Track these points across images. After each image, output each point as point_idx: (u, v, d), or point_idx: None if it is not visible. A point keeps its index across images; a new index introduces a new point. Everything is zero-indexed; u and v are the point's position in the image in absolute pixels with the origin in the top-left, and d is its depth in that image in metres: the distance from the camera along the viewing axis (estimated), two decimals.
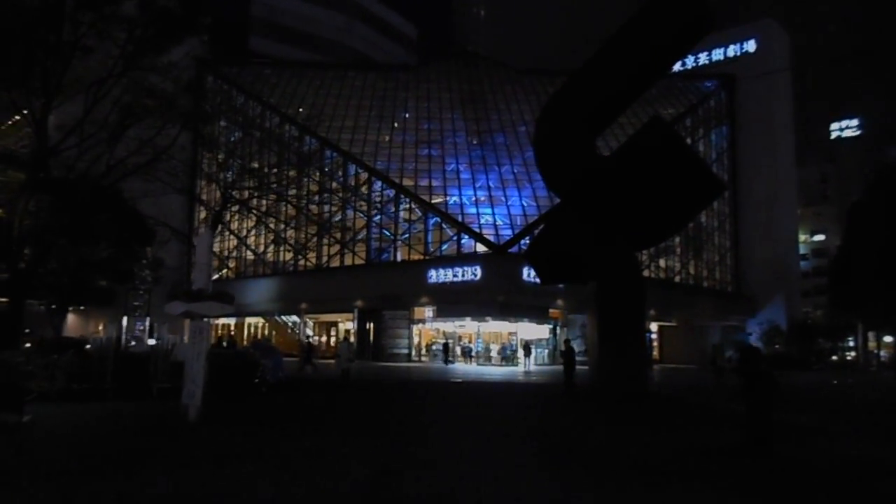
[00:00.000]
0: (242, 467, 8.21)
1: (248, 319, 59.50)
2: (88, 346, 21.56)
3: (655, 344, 56.49)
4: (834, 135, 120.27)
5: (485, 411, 14.89)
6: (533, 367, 38.79)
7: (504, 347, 45.41)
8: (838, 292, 45.26)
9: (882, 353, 72.67)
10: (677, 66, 76.93)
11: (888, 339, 69.28)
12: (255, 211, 39.17)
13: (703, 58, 78.42)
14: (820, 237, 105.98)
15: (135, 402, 14.49)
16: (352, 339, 46.82)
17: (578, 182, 16.57)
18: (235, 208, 51.94)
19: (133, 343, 31.46)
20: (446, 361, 42.76)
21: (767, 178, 70.49)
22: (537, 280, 42.20)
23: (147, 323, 31.79)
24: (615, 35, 16.49)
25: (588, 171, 16.47)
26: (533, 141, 18.30)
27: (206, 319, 11.55)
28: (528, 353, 38.95)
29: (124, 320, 33.60)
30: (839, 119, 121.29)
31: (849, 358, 67.81)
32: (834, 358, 61.71)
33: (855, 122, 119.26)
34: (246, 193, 27.74)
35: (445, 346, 44.17)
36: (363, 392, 19.80)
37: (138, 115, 22.51)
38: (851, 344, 77.14)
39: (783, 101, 76.73)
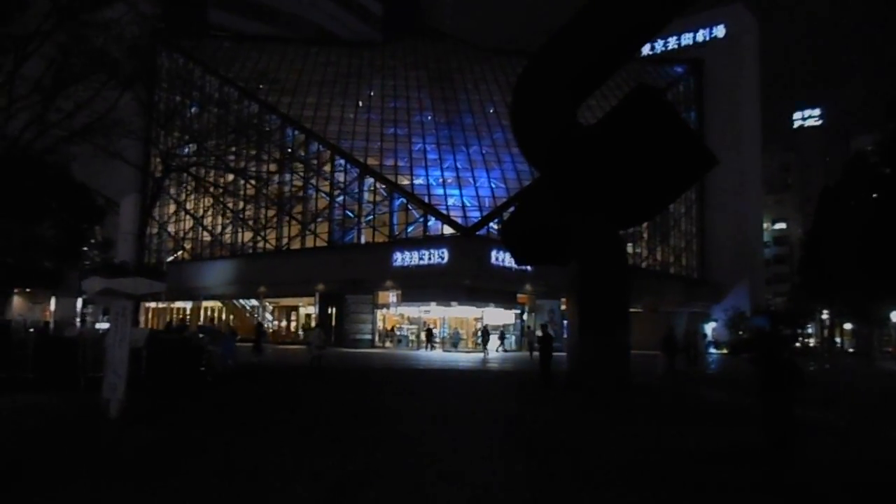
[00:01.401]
0: (148, 486, 6.58)
1: (205, 303, 57.11)
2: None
3: None
4: (797, 124, 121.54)
5: (458, 405, 13.46)
6: (493, 355, 37.49)
7: (455, 333, 44.09)
8: (808, 278, 45.02)
9: (840, 340, 73.64)
10: (646, 50, 76.43)
11: (847, 326, 70.06)
12: (211, 187, 36.95)
13: (672, 42, 77.92)
14: (781, 225, 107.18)
15: (57, 393, 12.72)
16: (313, 323, 45.23)
17: (559, 152, 15.17)
18: (192, 186, 49.42)
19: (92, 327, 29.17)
20: (431, 347, 41.36)
21: (734, 165, 70.14)
22: (505, 264, 41.38)
23: (79, 305, 29.44)
24: None
25: (569, 139, 15.07)
26: (511, 105, 16.85)
27: (145, 300, 9.84)
28: (487, 339, 37.42)
29: (52, 302, 31.14)
30: (801, 108, 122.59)
31: (810, 345, 68.39)
32: (797, 345, 62.00)
33: (817, 111, 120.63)
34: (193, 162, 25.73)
35: (429, 331, 42.78)
36: (325, 382, 18.23)
37: (75, 76, 20.42)
38: (810, 331, 78.02)
39: (750, 88, 76.66)
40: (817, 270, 42.39)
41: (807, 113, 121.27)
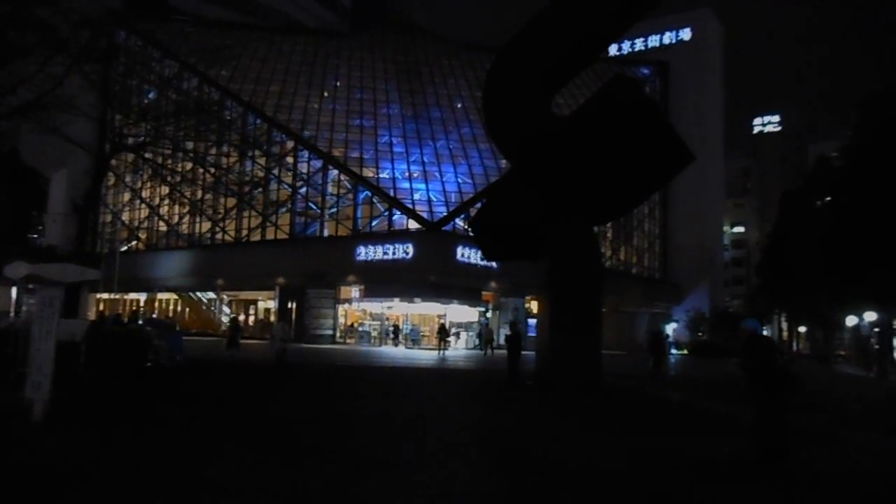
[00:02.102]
0: None
1: (161, 295, 55.29)
2: None
3: None
4: (756, 130, 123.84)
5: (424, 408, 12.60)
6: (454, 352, 36.75)
7: (413, 330, 43.28)
8: (768, 280, 45.43)
9: (795, 343, 75.13)
10: (613, 51, 76.73)
11: (801, 329, 71.34)
12: (169, 175, 35.42)
13: (639, 44, 78.48)
14: (739, 229, 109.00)
15: None
16: (272, 318, 43.97)
17: (531, 144, 14.54)
18: (148, 173, 47.32)
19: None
20: (396, 344, 40.67)
21: (697, 167, 70.48)
22: (471, 260, 40.78)
23: (14, 293, 27.56)
24: None
25: (543, 130, 14.45)
26: (482, 96, 16.17)
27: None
28: (444, 336, 36.27)
29: None
30: (761, 115, 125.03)
31: None
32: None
33: (776, 118, 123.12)
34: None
35: (396, 328, 42.17)
36: (282, 380, 17.30)
37: (17, 49, 19.06)
38: (765, 333, 79.30)
39: (714, 92, 77.64)
40: (777, 273, 42.80)
41: (766, 119, 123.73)
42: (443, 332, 36.27)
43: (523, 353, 18.31)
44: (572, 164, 13.96)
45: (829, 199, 34.53)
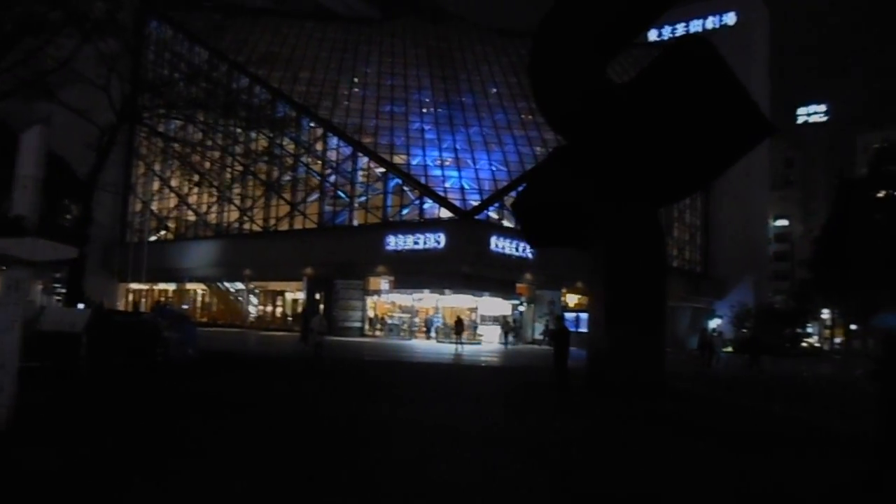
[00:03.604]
0: None
1: (189, 285, 54.59)
2: None
3: None
4: (801, 119, 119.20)
5: (468, 416, 10.78)
6: (481, 347, 34.95)
7: (430, 321, 41.27)
8: (823, 275, 42.80)
9: (841, 341, 72.06)
10: (653, 36, 74.12)
11: (853, 327, 68.11)
12: (198, 161, 34.45)
13: (680, 28, 75.66)
14: (783, 222, 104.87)
15: None
16: (299, 309, 42.78)
17: (587, 112, 12.75)
18: (177, 163, 46.52)
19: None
20: (428, 337, 39.34)
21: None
22: (505, 251, 38.99)
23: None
24: None
25: (600, 96, 12.65)
26: (530, 57, 14.41)
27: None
28: (459, 330, 34.07)
29: None
30: (806, 104, 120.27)
31: (816, 345, 66.37)
32: (804, 344, 59.86)
33: (822, 107, 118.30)
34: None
35: (429, 321, 40.60)
36: (305, 378, 15.81)
37: (38, 22, 17.96)
38: (809, 330, 76.06)
39: (760, 78, 74.43)
40: (833, 266, 40.16)
41: (812, 109, 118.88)
42: (459, 326, 34.18)
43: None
44: (636, 134, 12.15)
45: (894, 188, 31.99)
